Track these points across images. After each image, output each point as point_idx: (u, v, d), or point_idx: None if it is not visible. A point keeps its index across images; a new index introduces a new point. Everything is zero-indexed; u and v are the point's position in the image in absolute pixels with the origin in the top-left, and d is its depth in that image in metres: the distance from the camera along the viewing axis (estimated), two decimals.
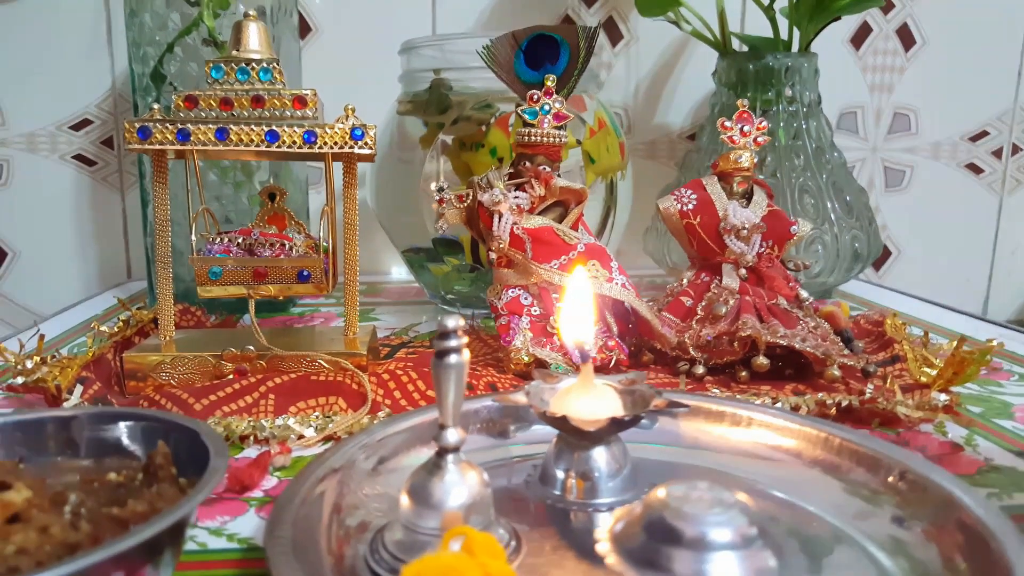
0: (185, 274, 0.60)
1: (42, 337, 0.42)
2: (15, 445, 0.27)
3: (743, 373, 0.46)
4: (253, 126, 0.43)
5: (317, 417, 0.39)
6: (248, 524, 0.30)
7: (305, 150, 0.44)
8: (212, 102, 0.43)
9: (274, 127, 0.43)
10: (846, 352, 0.46)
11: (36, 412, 0.28)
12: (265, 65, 0.44)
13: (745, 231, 0.50)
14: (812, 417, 0.35)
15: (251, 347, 0.44)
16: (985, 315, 0.94)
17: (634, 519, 0.21)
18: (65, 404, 0.37)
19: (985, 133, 0.92)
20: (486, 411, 0.37)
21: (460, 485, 0.27)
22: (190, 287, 0.56)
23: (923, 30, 0.89)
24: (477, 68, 0.51)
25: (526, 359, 0.45)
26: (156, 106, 0.44)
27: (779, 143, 0.69)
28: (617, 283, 0.46)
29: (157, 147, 0.43)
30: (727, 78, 0.72)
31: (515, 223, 0.46)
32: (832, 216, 0.67)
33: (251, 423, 0.38)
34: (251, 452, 0.37)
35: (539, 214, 0.48)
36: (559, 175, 0.49)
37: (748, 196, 0.52)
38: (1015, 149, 0.93)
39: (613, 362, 0.46)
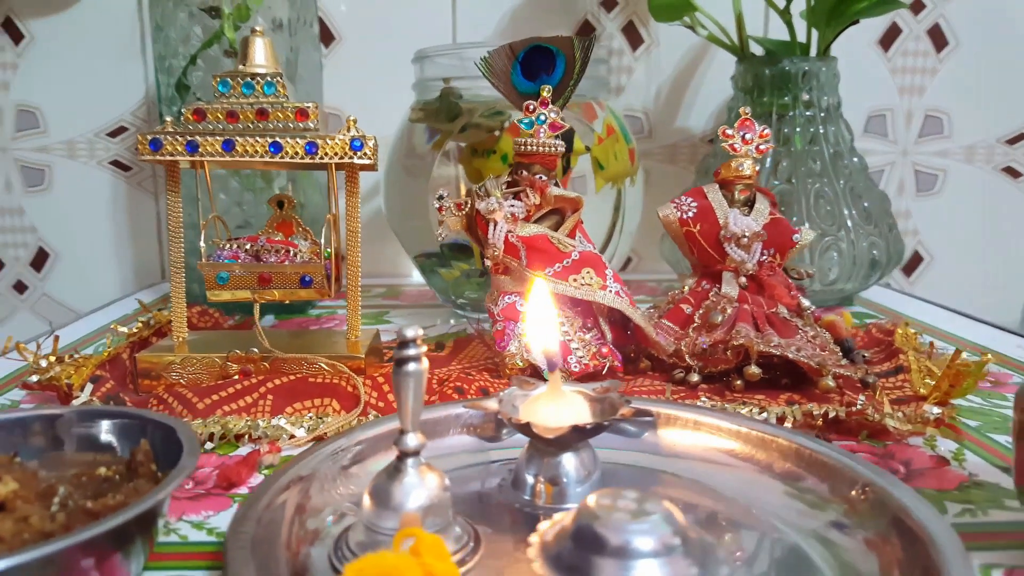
0: None
1: (57, 338, 0.44)
2: (12, 440, 0.29)
3: (738, 382, 0.46)
4: (258, 138, 0.45)
5: (311, 418, 0.40)
6: (230, 519, 0.32)
7: (307, 160, 0.45)
8: (219, 115, 0.45)
9: (277, 139, 0.45)
10: (843, 362, 0.46)
11: (26, 410, 0.30)
12: (269, 79, 0.46)
13: (745, 239, 0.50)
14: (780, 427, 0.35)
15: (255, 349, 0.46)
16: None
17: (565, 526, 0.22)
18: (74, 402, 0.39)
19: (1023, 136, 0.89)
20: (478, 415, 0.38)
21: (419, 488, 0.28)
22: None
23: (955, 30, 0.87)
24: None
25: (520, 364, 0.46)
26: (168, 119, 0.46)
27: (795, 148, 0.68)
28: (611, 291, 0.47)
29: (168, 158, 0.45)
30: (743, 83, 0.71)
31: (510, 231, 0.46)
32: (848, 223, 0.66)
33: (248, 422, 0.40)
34: (245, 450, 0.38)
35: (536, 222, 0.48)
36: (556, 183, 0.49)
37: (750, 204, 0.52)
38: None
39: (607, 369, 0.47)
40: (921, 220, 0.91)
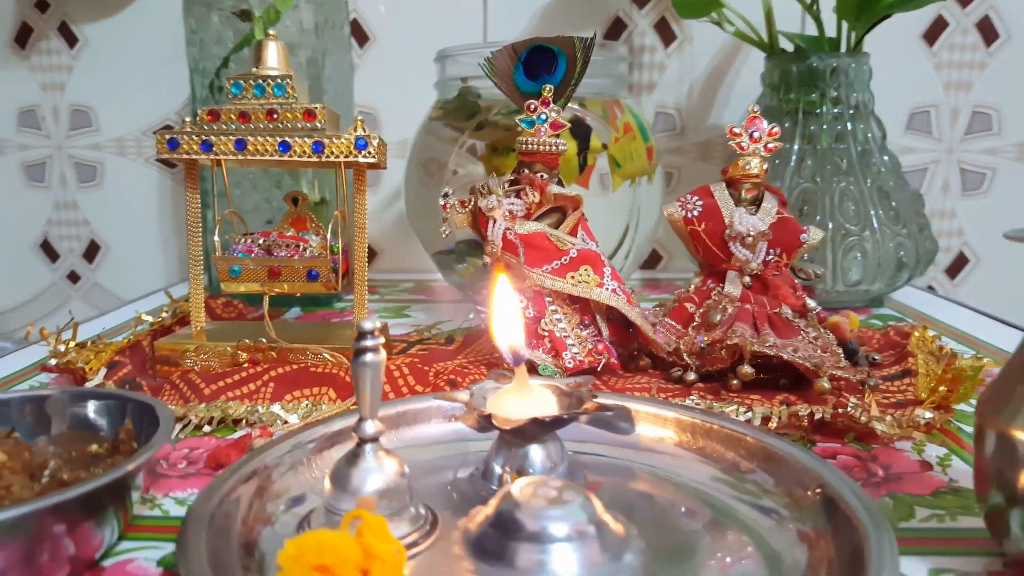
0: None
1: (76, 325, 0.47)
2: (13, 418, 0.32)
3: (734, 382, 0.46)
4: (268, 137, 0.47)
5: (307, 406, 0.42)
6: None
7: (315, 159, 0.47)
8: (232, 115, 0.48)
9: (286, 138, 0.47)
10: (843, 364, 0.46)
11: (19, 392, 0.33)
12: (279, 81, 0.47)
13: (750, 238, 0.49)
14: (747, 425, 0.35)
15: (263, 339, 0.48)
16: None
17: (488, 513, 0.23)
18: (87, 384, 0.42)
19: None
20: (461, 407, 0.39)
21: (376, 472, 0.29)
22: None
23: (1007, 23, 0.84)
24: None
25: None
26: (187, 119, 0.49)
27: (821, 146, 0.67)
28: (607, 288, 0.47)
29: (184, 156, 0.47)
30: (771, 79, 0.71)
31: (508, 228, 0.47)
32: (875, 223, 0.65)
33: (248, 408, 0.42)
34: (241, 434, 0.40)
35: (537, 219, 0.49)
36: (560, 182, 0.50)
37: (757, 202, 0.51)
38: None
39: (601, 365, 0.47)
40: (967, 220, 0.88)
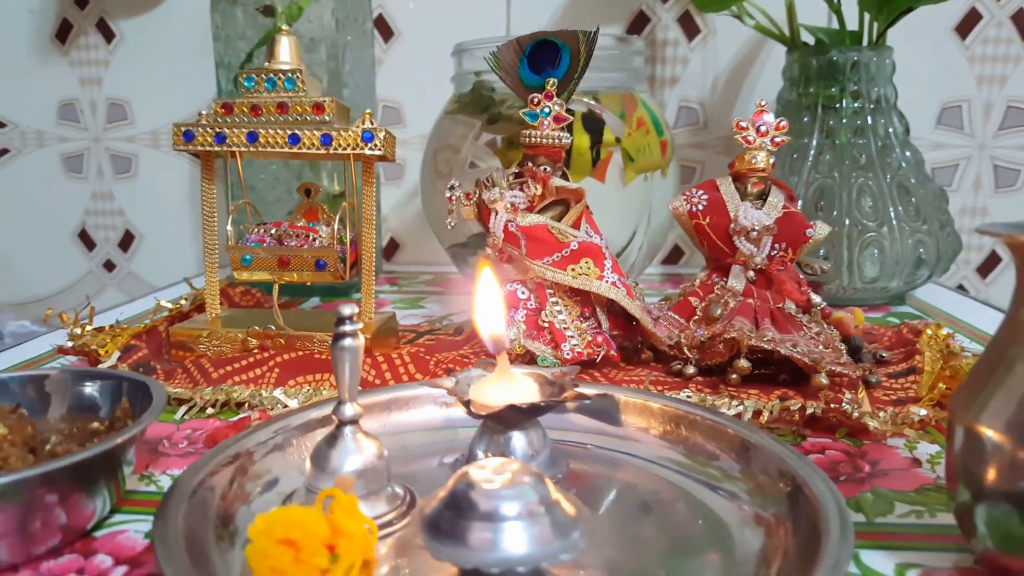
0: None
1: (93, 309, 0.49)
2: (18, 396, 0.34)
3: (733, 376, 0.46)
4: (278, 130, 0.48)
5: (308, 391, 0.44)
6: None
7: (323, 151, 0.48)
8: (244, 108, 0.49)
9: (296, 131, 0.48)
10: (843, 360, 0.45)
11: (20, 372, 0.35)
12: (290, 75, 0.49)
13: (755, 232, 0.49)
14: (726, 416, 0.35)
15: (272, 326, 0.50)
16: None
17: (442, 494, 0.24)
18: (100, 366, 0.44)
19: None
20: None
21: (355, 454, 0.30)
22: None
23: None
24: None
25: (518, 349, 0.48)
26: (203, 112, 0.51)
27: (839, 141, 0.66)
28: (607, 281, 0.48)
29: (199, 148, 0.49)
30: (791, 73, 0.70)
31: (510, 220, 0.48)
32: (893, 220, 0.64)
33: (252, 392, 0.43)
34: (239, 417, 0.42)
35: (541, 212, 0.50)
36: (565, 175, 0.51)
37: (764, 197, 0.51)
38: None
39: (600, 357, 0.47)
40: (1000, 218, 0.86)
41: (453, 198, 0.51)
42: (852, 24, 0.67)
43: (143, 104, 0.89)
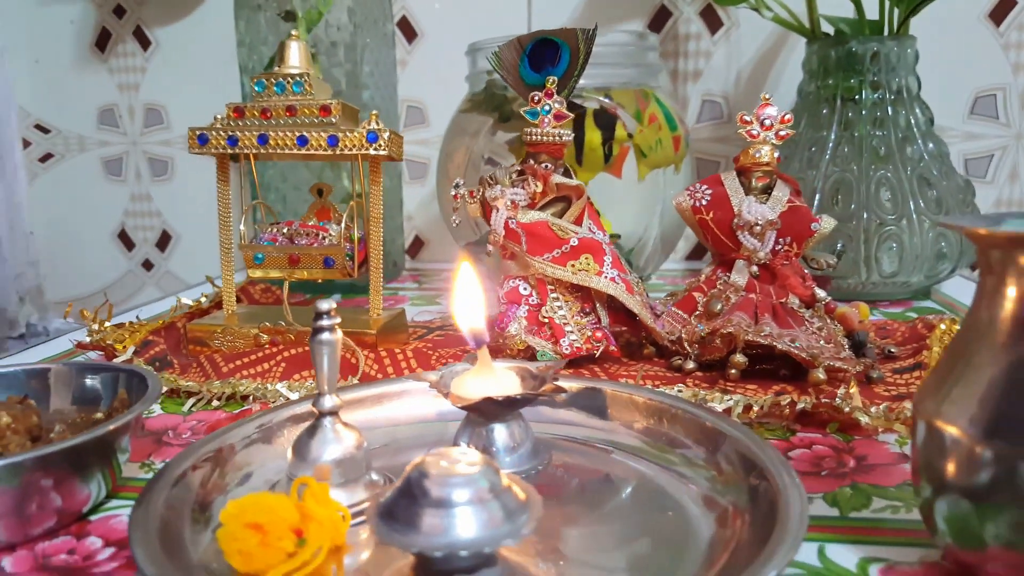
0: None
1: (111, 306, 0.52)
2: (25, 386, 0.36)
3: (732, 371, 0.46)
4: (287, 132, 0.50)
5: (310, 385, 0.45)
6: None
7: (330, 152, 0.50)
8: (255, 112, 0.51)
9: (304, 133, 0.50)
10: (843, 355, 0.45)
11: (23, 365, 0.37)
12: (298, 79, 0.50)
13: (759, 227, 0.49)
14: (706, 410, 0.35)
15: (282, 322, 0.52)
16: None
17: (398, 483, 0.25)
18: (115, 360, 0.46)
19: None
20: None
21: (333, 444, 0.31)
22: None
23: None
24: None
25: (519, 345, 0.48)
26: (217, 116, 0.52)
27: (858, 133, 0.65)
28: (607, 277, 0.48)
29: (212, 151, 0.51)
30: (810, 65, 0.69)
31: (511, 217, 0.49)
32: (913, 213, 0.63)
33: (257, 386, 0.45)
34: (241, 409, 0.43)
35: (543, 208, 0.50)
36: (568, 171, 0.51)
37: (769, 191, 0.51)
38: None
39: (599, 352, 0.48)
40: None
41: (458, 196, 0.52)
42: (873, 13, 0.66)
43: (178, 108, 0.92)
